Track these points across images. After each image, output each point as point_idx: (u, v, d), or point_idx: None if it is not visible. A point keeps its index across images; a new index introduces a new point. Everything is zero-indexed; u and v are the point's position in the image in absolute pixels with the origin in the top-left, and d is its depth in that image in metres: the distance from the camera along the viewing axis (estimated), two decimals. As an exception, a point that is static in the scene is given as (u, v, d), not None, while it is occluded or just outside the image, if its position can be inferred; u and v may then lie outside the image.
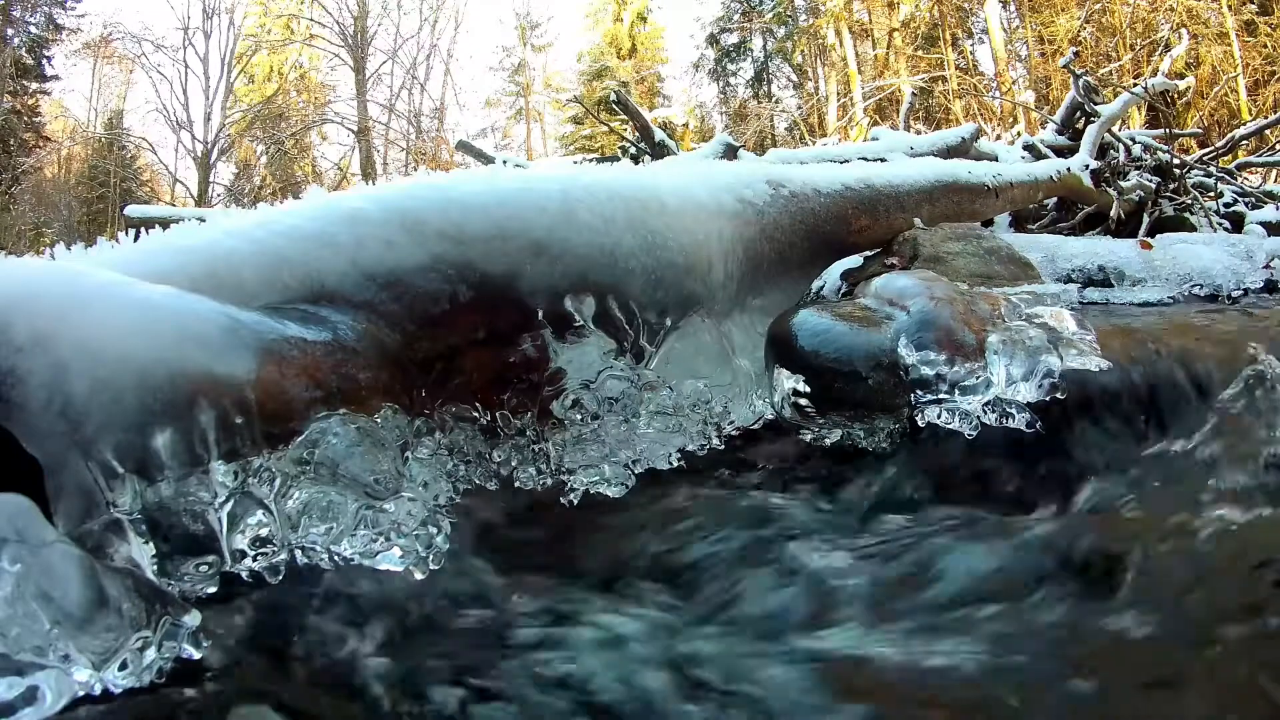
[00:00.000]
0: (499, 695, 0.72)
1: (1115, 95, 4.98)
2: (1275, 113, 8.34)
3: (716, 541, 0.99)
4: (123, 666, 0.64)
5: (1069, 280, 2.33)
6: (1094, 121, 4.28)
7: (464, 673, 0.75)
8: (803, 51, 21.98)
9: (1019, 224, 3.83)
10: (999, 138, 6.81)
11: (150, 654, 0.66)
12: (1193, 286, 2.40)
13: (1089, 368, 1.11)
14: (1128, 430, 1.17)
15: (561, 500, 1.03)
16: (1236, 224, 3.99)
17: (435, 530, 0.84)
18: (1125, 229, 3.69)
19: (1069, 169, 3.49)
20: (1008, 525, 0.99)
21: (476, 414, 1.04)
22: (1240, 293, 2.39)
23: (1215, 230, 3.74)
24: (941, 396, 1.10)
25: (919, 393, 1.11)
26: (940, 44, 18.04)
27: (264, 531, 0.79)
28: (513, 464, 1.05)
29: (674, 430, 1.11)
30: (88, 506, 0.69)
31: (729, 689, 0.71)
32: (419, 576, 0.83)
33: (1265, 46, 13.34)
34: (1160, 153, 4.40)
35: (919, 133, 4.91)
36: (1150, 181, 4.10)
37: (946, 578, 0.88)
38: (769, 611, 0.84)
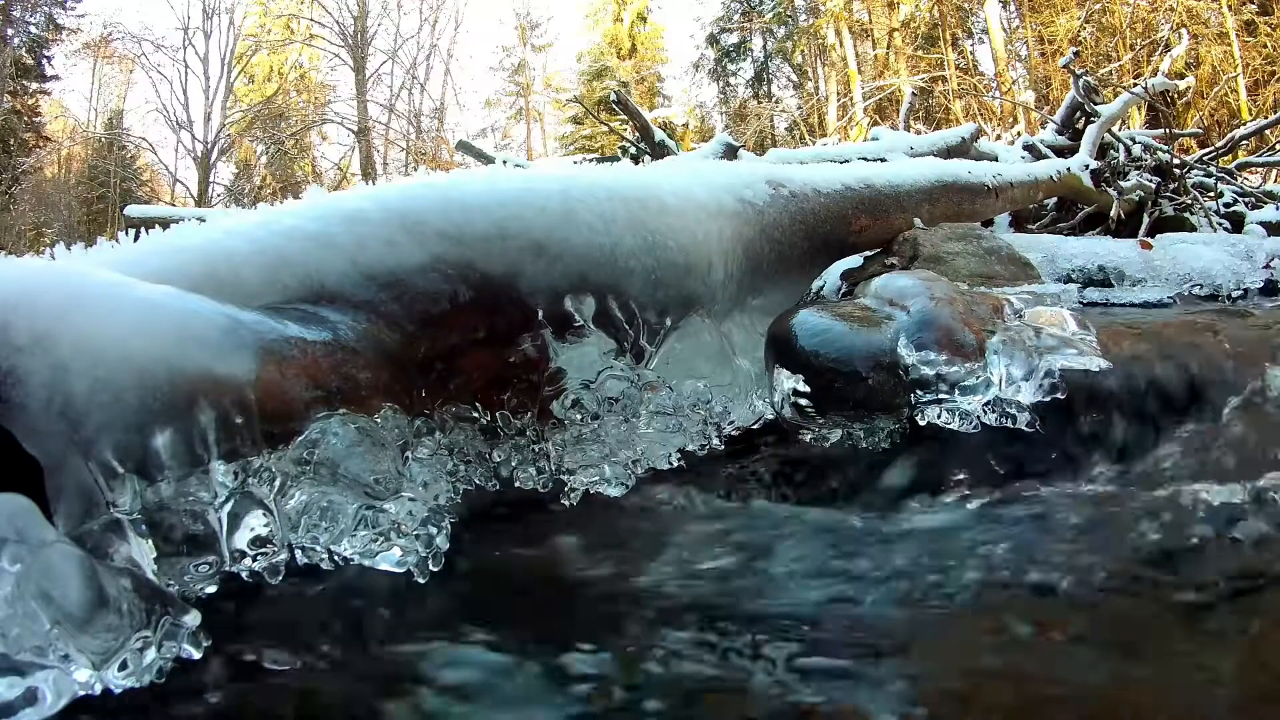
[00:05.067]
0: (496, 690, 0.72)
1: (1115, 95, 4.99)
2: (1275, 113, 8.34)
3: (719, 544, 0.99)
4: (123, 666, 0.64)
5: (1069, 280, 2.33)
6: (1094, 121, 4.28)
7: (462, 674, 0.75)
8: (803, 51, 21.97)
9: (1019, 224, 3.83)
10: (999, 138, 6.81)
11: (150, 654, 0.66)
12: (1193, 286, 2.40)
13: (1089, 368, 1.11)
14: (1126, 429, 1.17)
15: (562, 500, 1.03)
16: (1236, 224, 3.99)
17: (435, 530, 0.84)
18: (1125, 229, 3.68)
19: (1069, 169, 3.49)
20: (1003, 525, 0.99)
21: (476, 414, 1.04)
22: (1240, 293, 2.40)
23: (1215, 230, 3.74)
24: (941, 396, 1.10)
25: (919, 393, 1.11)
26: (940, 44, 18.02)
27: (264, 531, 0.79)
28: (513, 464, 1.05)
29: (674, 430, 1.11)
30: (88, 506, 0.69)
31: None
32: (420, 580, 0.82)
33: (1265, 46, 13.33)
34: (1160, 153, 4.40)
35: (919, 133, 4.91)
36: (1150, 181, 4.09)
37: (950, 576, 0.88)
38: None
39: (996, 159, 3.81)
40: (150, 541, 0.73)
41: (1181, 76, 8.10)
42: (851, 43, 19.45)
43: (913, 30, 18.74)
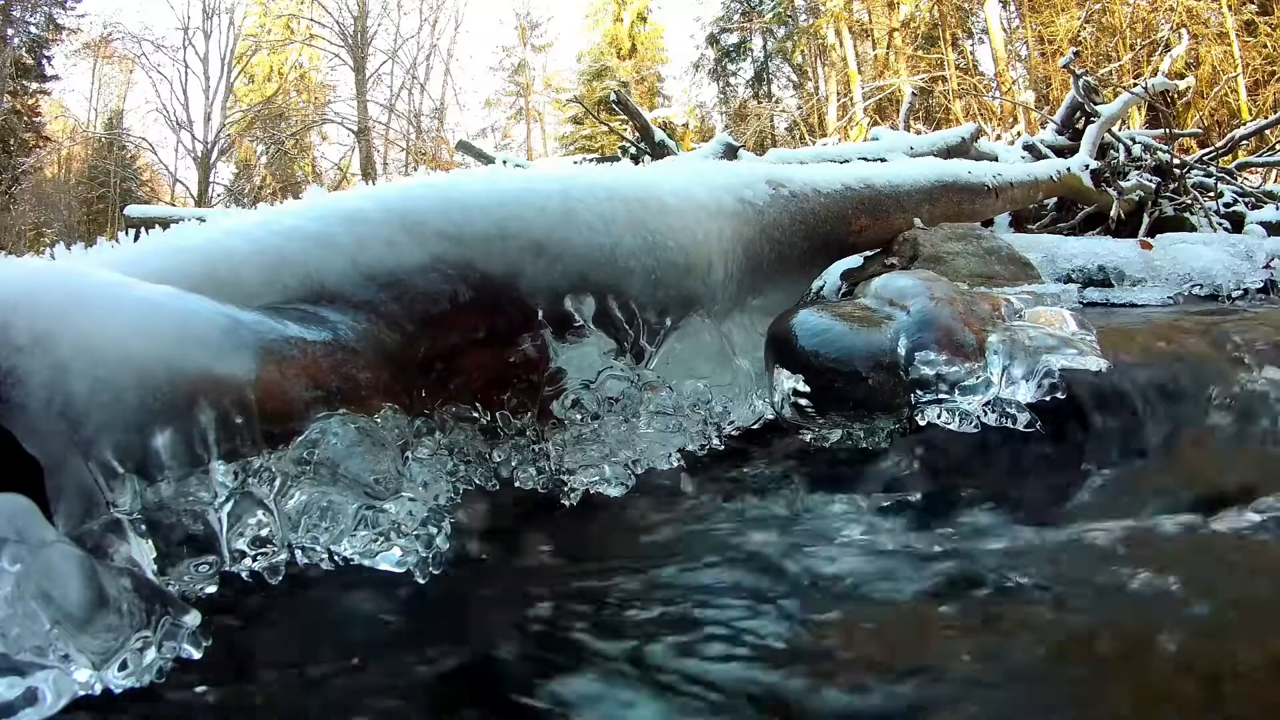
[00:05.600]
0: (498, 690, 0.72)
1: (1115, 95, 4.99)
2: (1275, 113, 8.34)
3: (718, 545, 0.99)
4: (123, 666, 0.64)
5: (1069, 280, 2.33)
6: (1094, 121, 4.28)
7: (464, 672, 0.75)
8: (803, 51, 21.97)
9: (1019, 224, 3.83)
10: (999, 138, 6.81)
11: (150, 654, 0.66)
12: (1193, 286, 2.40)
13: (1089, 368, 1.11)
14: (1125, 429, 1.17)
15: (561, 500, 1.03)
16: (1236, 224, 3.99)
17: (435, 530, 0.84)
18: (1125, 229, 3.69)
19: (1069, 169, 3.49)
20: (1000, 527, 0.99)
21: (476, 414, 1.04)
22: (1240, 293, 2.40)
23: (1215, 230, 3.75)
24: (941, 396, 1.10)
25: (919, 392, 1.11)
26: (940, 44, 18.02)
27: (264, 531, 0.79)
28: (513, 464, 1.05)
29: (674, 430, 1.11)
30: (88, 506, 0.69)
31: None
32: (420, 580, 0.82)
33: (1265, 46, 13.33)
34: (1160, 153, 4.41)
35: (919, 133, 4.91)
36: (1150, 181, 4.10)
37: (949, 577, 0.88)
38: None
39: (996, 159, 3.81)
40: (150, 541, 0.73)
41: (1181, 76, 8.11)
42: (851, 43, 19.45)
43: (913, 30, 18.74)
